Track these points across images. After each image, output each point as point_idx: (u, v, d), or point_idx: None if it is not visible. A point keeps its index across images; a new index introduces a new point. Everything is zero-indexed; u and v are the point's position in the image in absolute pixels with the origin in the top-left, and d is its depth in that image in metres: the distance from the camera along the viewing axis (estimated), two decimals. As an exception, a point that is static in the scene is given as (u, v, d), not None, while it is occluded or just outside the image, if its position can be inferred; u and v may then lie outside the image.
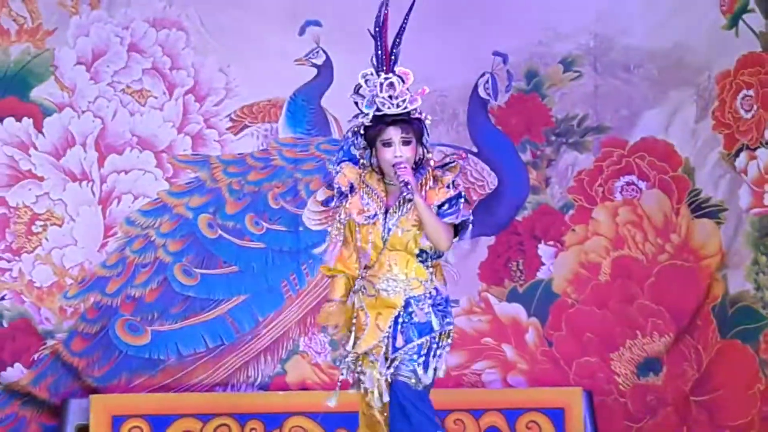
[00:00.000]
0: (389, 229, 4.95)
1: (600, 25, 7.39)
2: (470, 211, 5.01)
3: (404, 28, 5.04)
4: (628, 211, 7.38)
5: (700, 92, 7.34)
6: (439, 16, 7.14)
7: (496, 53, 7.34)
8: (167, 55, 7.21)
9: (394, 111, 4.91)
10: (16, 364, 7.00)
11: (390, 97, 4.91)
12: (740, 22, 7.18)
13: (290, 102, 7.27)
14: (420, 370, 4.89)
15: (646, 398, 7.28)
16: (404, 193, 4.86)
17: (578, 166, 7.40)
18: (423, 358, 4.91)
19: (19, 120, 7.08)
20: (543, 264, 7.36)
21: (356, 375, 5.01)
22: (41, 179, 7.09)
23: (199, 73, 7.23)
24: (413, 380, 4.89)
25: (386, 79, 4.94)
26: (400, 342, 4.92)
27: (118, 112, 7.17)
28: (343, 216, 5.04)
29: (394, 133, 4.92)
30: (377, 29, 5.05)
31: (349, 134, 5.05)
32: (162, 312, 7.08)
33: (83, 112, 7.14)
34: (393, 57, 5.02)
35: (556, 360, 7.31)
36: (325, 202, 5.19)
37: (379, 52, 5.02)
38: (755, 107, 7.12)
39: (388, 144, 4.93)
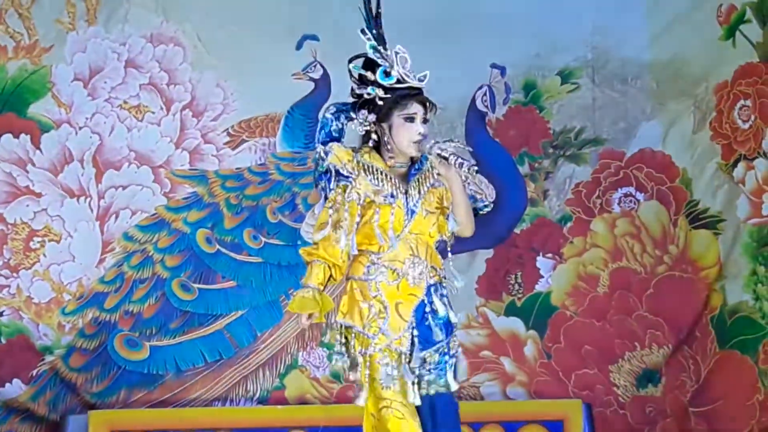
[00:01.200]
0: (412, 211, 4.57)
1: (597, 37, 7.40)
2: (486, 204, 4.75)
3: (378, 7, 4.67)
4: (626, 223, 7.38)
5: (697, 103, 7.34)
6: (436, 29, 7.15)
7: (493, 66, 7.34)
8: (164, 71, 7.22)
9: (418, 84, 4.58)
10: (15, 380, 7.01)
11: (408, 71, 4.58)
12: (737, 33, 7.18)
13: (288, 116, 7.28)
14: (450, 377, 4.58)
15: (645, 410, 7.28)
16: (454, 164, 4.50)
17: (576, 178, 7.40)
18: (452, 361, 4.61)
19: (16, 136, 7.10)
20: (541, 277, 7.36)
21: (362, 370, 4.55)
22: (39, 195, 7.10)
23: (197, 88, 7.24)
24: (451, 390, 4.59)
25: (398, 53, 4.60)
26: (439, 336, 4.57)
27: (115, 128, 7.18)
28: (350, 196, 4.55)
29: (419, 109, 4.57)
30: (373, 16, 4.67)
31: (329, 114, 4.68)
32: (160, 327, 7.09)
33: (81, 128, 7.15)
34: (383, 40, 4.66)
35: (555, 372, 7.30)
36: (318, 181, 4.63)
37: (374, 31, 4.62)
38: (753, 117, 7.12)
39: (410, 119, 4.57)
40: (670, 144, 7.38)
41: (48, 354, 7.04)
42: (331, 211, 4.58)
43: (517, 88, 7.36)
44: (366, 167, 4.60)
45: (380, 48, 4.60)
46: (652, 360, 7.31)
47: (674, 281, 7.34)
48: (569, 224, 7.39)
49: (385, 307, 4.57)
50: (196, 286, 7.14)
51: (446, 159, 4.55)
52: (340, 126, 4.69)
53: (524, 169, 7.36)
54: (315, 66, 7.26)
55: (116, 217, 7.15)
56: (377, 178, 4.60)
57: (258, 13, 7.23)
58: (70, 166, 7.13)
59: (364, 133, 4.63)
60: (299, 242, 7.15)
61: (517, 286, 7.36)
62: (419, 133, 4.56)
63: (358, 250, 4.61)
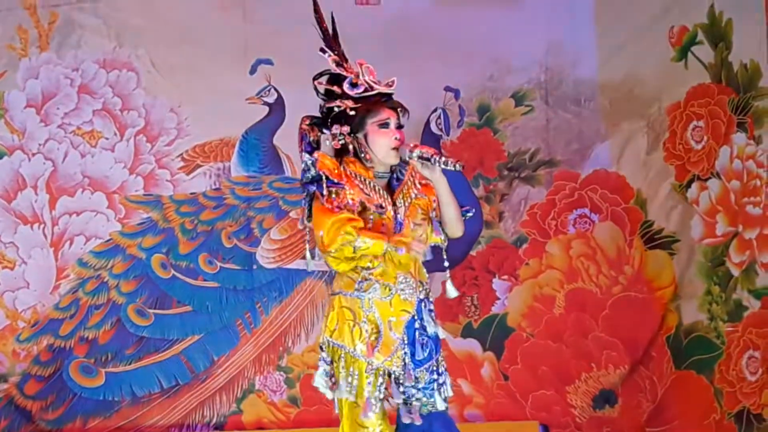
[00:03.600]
0: (401, 224, 4.60)
1: (550, 58, 7.41)
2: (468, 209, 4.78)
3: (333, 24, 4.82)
4: (582, 244, 7.39)
5: (650, 124, 7.36)
6: (389, 51, 7.14)
7: (447, 88, 7.35)
8: (118, 96, 7.22)
9: (387, 90, 4.63)
10: (-30, 408, 6.99)
11: (375, 80, 4.65)
12: (689, 54, 7.21)
13: (242, 140, 7.28)
14: (438, 397, 4.62)
15: (602, 430, 7.29)
16: (436, 163, 4.48)
17: (531, 200, 7.41)
18: (441, 379, 4.62)
19: (-31, 163, 7.09)
20: (498, 298, 7.37)
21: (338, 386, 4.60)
22: (-8, 222, 7.09)
23: (150, 113, 7.24)
24: (446, 408, 4.64)
25: (362, 64, 4.70)
26: (421, 355, 4.59)
27: (69, 154, 7.17)
28: (344, 200, 4.55)
29: (391, 114, 4.61)
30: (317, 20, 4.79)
31: (304, 126, 4.68)
32: (116, 353, 7.08)
33: (34, 154, 7.15)
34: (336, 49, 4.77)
35: (512, 394, 7.31)
36: (305, 183, 4.56)
37: (334, 50, 4.75)
38: (705, 138, 7.15)
39: (385, 125, 4.60)
40: (624, 165, 7.40)
41: (2, 382, 7.01)
42: (334, 203, 4.51)
43: (471, 111, 7.38)
44: (353, 176, 4.59)
45: (343, 63, 4.68)
46: (608, 380, 7.32)
47: (630, 301, 7.35)
48: (525, 246, 7.40)
49: (378, 326, 4.57)
50: (151, 311, 7.13)
51: (428, 160, 4.52)
52: (317, 137, 4.68)
53: (479, 192, 7.38)
54: (269, 90, 7.26)
55: (70, 244, 7.13)
56: (367, 187, 4.59)
57: (212, 38, 7.23)
58: (23, 193, 7.12)
59: (339, 147, 4.62)
60: (255, 266, 7.16)
61: (473, 308, 7.37)
62: (396, 138, 4.57)
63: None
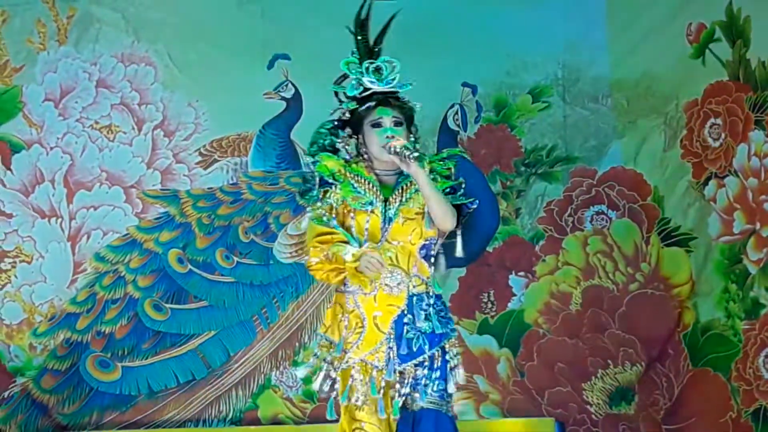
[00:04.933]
0: (390, 219, 4.57)
1: (568, 55, 7.41)
2: (472, 201, 4.69)
3: (388, 26, 4.86)
4: (598, 241, 7.39)
5: (668, 121, 7.35)
6: (406, 47, 7.03)
7: (465, 84, 7.35)
8: (136, 91, 7.22)
9: (382, 88, 4.64)
10: (-14, 403, 7.00)
11: (378, 79, 4.65)
12: (707, 52, 7.19)
13: (259, 135, 7.28)
14: (444, 393, 4.56)
15: (618, 427, 7.28)
16: (406, 158, 4.45)
17: (548, 197, 7.41)
18: (439, 374, 4.56)
19: (-14, 157, 7.10)
20: (514, 295, 7.36)
21: (333, 385, 4.61)
22: (10, 216, 7.10)
23: (168, 108, 7.24)
24: (444, 407, 4.57)
25: (371, 63, 4.69)
26: (405, 351, 4.53)
27: (86, 148, 7.17)
28: (332, 199, 4.60)
29: (384, 113, 4.61)
30: (359, 22, 4.82)
31: (324, 129, 4.69)
32: (132, 348, 7.07)
33: (52, 148, 7.15)
34: (378, 49, 4.78)
35: (529, 390, 7.30)
36: (305, 193, 4.65)
37: (360, 46, 4.76)
38: (723, 136, 7.14)
39: (377, 125, 4.60)
40: (641, 162, 7.40)
41: (19, 376, 7.02)
42: (325, 220, 4.57)
43: (488, 107, 7.38)
44: (352, 175, 4.62)
45: (353, 63, 4.71)
46: (625, 378, 7.32)
47: (647, 299, 7.35)
48: (541, 242, 7.39)
49: (362, 320, 4.56)
50: (168, 306, 7.13)
51: (397, 154, 4.50)
52: (334, 141, 4.70)
53: (496, 188, 7.37)
54: (287, 85, 7.26)
55: (88, 238, 7.13)
56: (360, 185, 4.60)
57: (229, 33, 7.24)
58: (41, 187, 7.13)
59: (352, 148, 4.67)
60: (272, 262, 7.16)
61: (490, 305, 7.36)
62: (386, 137, 4.56)
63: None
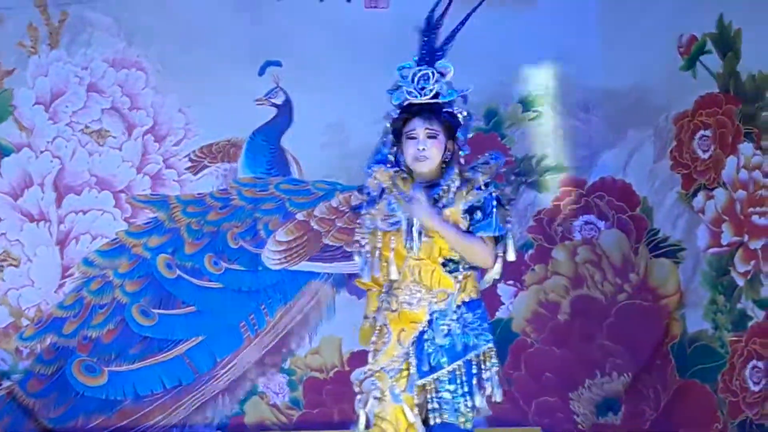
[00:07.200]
0: (412, 237, 4.55)
1: (559, 65, 7.42)
2: (509, 218, 4.65)
3: (464, 22, 4.84)
4: (587, 251, 7.39)
5: (658, 132, 7.36)
6: (398, 55, 7.11)
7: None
8: (126, 95, 7.22)
9: (419, 100, 4.60)
10: (-28, 406, 6.99)
11: (421, 88, 4.61)
12: (698, 64, 7.21)
13: (250, 142, 7.28)
14: (462, 407, 4.54)
15: (605, 438, 7.30)
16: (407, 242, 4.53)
17: (537, 206, 7.41)
18: (465, 388, 4.54)
19: (-24, 160, 7.10)
20: (502, 303, 7.36)
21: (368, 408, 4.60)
22: (-2, 220, 7.09)
23: (159, 113, 7.24)
24: (462, 420, 4.56)
25: (419, 70, 4.67)
26: (426, 367, 4.53)
27: (76, 153, 7.17)
28: (368, 223, 4.62)
29: (418, 124, 4.56)
30: (431, 22, 4.77)
31: (384, 138, 4.66)
32: (119, 353, 7.07)
33: (42, 152, 7.15)
34: (441, 52, 4.74)
35: (516, 400, 7.29)
36: (356, 209, 4.67)
37: (424, 50, 4.73)
38: (712, 148, 7.15)
39: (412, 137, 4.57)
40: (631, 172, 7.40)
41: (5, 379, 7.01)
42: (364, 236, 4.64)
43: (478, 116, 7.36)
44: (396, 189, 4.62)
45: (406, 68, 4.70)
46: (612, 388, 7.32)
47: (635, 309, 7.35)
48: (530, 251, 7.40)
49: (388, 333, 4.60)
50: (155, 311, 7.12)
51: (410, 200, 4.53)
52: (393, 152, 4.68)
53: (486, 197, 7.36)
54: (277, 92, 7.27)
55: (76, 242, 7.13)
56: (397, 201, 4.59)
57: (221, 39, 7.24)
58: (30, 191, 7.12)
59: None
60: (260, 268, 7.16)
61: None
62: (419, 149, 4.55)
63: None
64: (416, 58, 4.72)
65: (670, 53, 7.28)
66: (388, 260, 4.58)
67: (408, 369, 4.60)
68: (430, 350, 4.57)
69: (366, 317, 4.73)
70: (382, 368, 4.60)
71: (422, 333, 4.58)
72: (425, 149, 4.56)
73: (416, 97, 4.60)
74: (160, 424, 7.08)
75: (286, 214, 7.22)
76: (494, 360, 4.63)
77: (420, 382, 4.57)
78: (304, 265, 7.14)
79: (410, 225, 4.55)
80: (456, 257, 4.56)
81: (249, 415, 7.19)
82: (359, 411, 4.64)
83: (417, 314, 4.57)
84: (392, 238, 4.59)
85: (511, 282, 7.37)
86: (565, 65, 7.40)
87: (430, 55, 4.73)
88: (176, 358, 7.10)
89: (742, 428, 6.94)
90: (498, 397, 4.60)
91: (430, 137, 4.58)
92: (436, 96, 4.64)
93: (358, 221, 4.70)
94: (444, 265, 4.56)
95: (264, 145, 7.28)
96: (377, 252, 4.60)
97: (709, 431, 7.14)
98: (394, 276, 4.57)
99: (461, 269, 4.58)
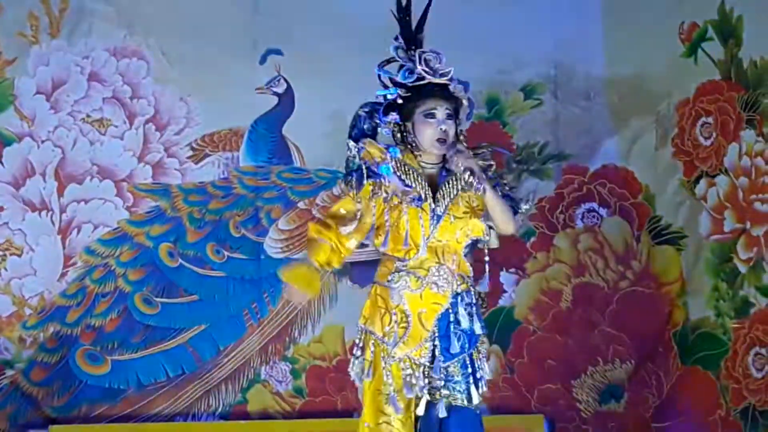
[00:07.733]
0: (439, 216, 4.55)
1: (560, 53, 7.42)
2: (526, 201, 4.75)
3: (426, 13, 4.84)
4: (589, 238, 7.40)
5: (659, 120, 7.36)
6: (399, 44, 7.14)
7: (457, 81, 7.32)
8: (128, 84, 7.21)
9: (438, 80, 4.63)
10: (-25, 395, 6.98)
11: (431, 68, 4.64)
12: (699, 51, 7.20)
13: (251, 130, 7.27)
14: (473, 390, 4.57)
15: (607, 425, 7.30)
16: (475, 188, 4.48)
17: (539, 194, 7.42)
18: (469, 370, 4.57)
19: (-23, 149, 7.09)
20: (505, 291, 7.36)
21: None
22: (0, 209, 7.07)
23: (160, 102, 7.23)
24: (473, 403, 4.59)
25: (424, 52, 4.69)
26: (456, 348, 4.53)
27: (78, 142, 7.15)
28: (379, 193, 4.56)
29: (438, 104, 4.60)
30: (402, 8, 4.78)
31: (362, 112, 4.63)
32: (122, 341, 7.06)
33: (43, 141, 7.13)
34: (419, 38, 4.78)
35: (518, 387, 7.31)
36: (346, 181, 4.60)
37: (403, 33, 4.74)
38: (714, 135, 7.14)
39: (431, 116, 4.59)
40: (632, 160, 7.41)
41: (8, 368, 7.00)
42: (358, 205, 4.57)
43: (480, 104, 7.35)
44: (399, 165, 4.59)
45: (402, 50, 4.69)
46: (614, 375, 7.33)
47: (637, 296, 7.36)
48: (532, 239, 7.40)
49: (407, 316, 4.55)
50: (158, 300, 7.12)
51: (472, 172, 4.50)
52: (373, 124, 4.65)
53: (487, 185, 7.36)
54: (279, 80, 7.26)
55: (78, 231, 7.12)
56: (409, 178, 4.57)
57: (222, 27, 7.23)
58: (32, 180, 7.11)
59: (391, 134, 4.65)
60: (262, 256, 7.16)
61: (480, 301, 7.34)
62: (441, 130, 4.56)
63: (385, 255, 4.61)
64: (396, 44, 4.73)
65: (672, 40, 7.27)
66: (416, 239, 4.54)
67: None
68: (457, 333, 4.57)
69: (307, 261, 4.61)
70: (407, 355, 4.56)
71: (445, 315, 4.56)
72: (447, 129, 4.59)
73: (435, 77, 4.62)
74: (164, 412, 7.08)
75: (287, 203, 7.22)
76: (486, 344, 4.70)
77: (446, 365, 4.56)
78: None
79: (436, 204, 4.53)
80: (482, 236, 4.60)
81: (252, 403, 7.19)
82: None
83: (442, 296, 4.56)
84: (419, 215, 4.55)
85: (513, 270, 7.38)
86: (567, 53, 7.40)
87: (412, 41, 4.76)
88: (179, 347, 7.10)
89: (745, 415, 6.94)
90: (488, 375, 4.65)
91: (448, 117, 4.62)
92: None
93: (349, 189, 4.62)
94: (464, 247, 4.60)
95: (265, 134, 7.27)
96: (406, 226, 4.55)
97: (711, 418, 7.14)
98: (422, 253, 4.54)
99: (470, 255, 4.64)
